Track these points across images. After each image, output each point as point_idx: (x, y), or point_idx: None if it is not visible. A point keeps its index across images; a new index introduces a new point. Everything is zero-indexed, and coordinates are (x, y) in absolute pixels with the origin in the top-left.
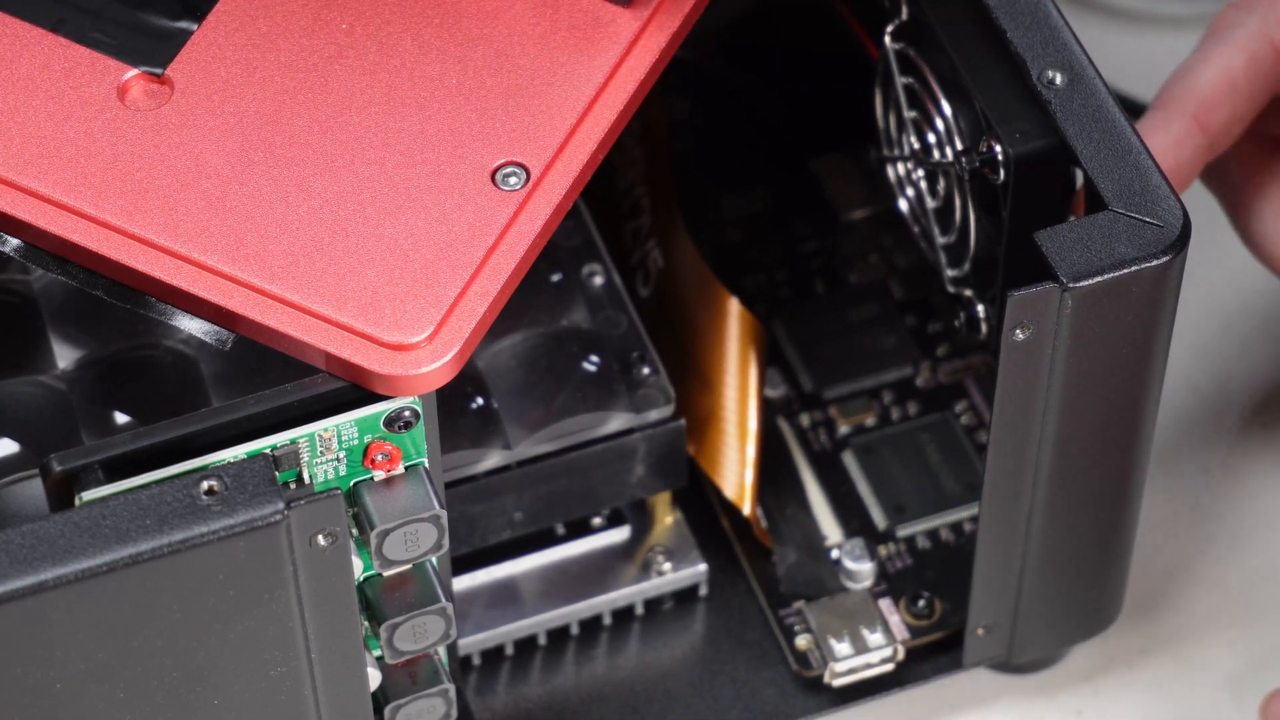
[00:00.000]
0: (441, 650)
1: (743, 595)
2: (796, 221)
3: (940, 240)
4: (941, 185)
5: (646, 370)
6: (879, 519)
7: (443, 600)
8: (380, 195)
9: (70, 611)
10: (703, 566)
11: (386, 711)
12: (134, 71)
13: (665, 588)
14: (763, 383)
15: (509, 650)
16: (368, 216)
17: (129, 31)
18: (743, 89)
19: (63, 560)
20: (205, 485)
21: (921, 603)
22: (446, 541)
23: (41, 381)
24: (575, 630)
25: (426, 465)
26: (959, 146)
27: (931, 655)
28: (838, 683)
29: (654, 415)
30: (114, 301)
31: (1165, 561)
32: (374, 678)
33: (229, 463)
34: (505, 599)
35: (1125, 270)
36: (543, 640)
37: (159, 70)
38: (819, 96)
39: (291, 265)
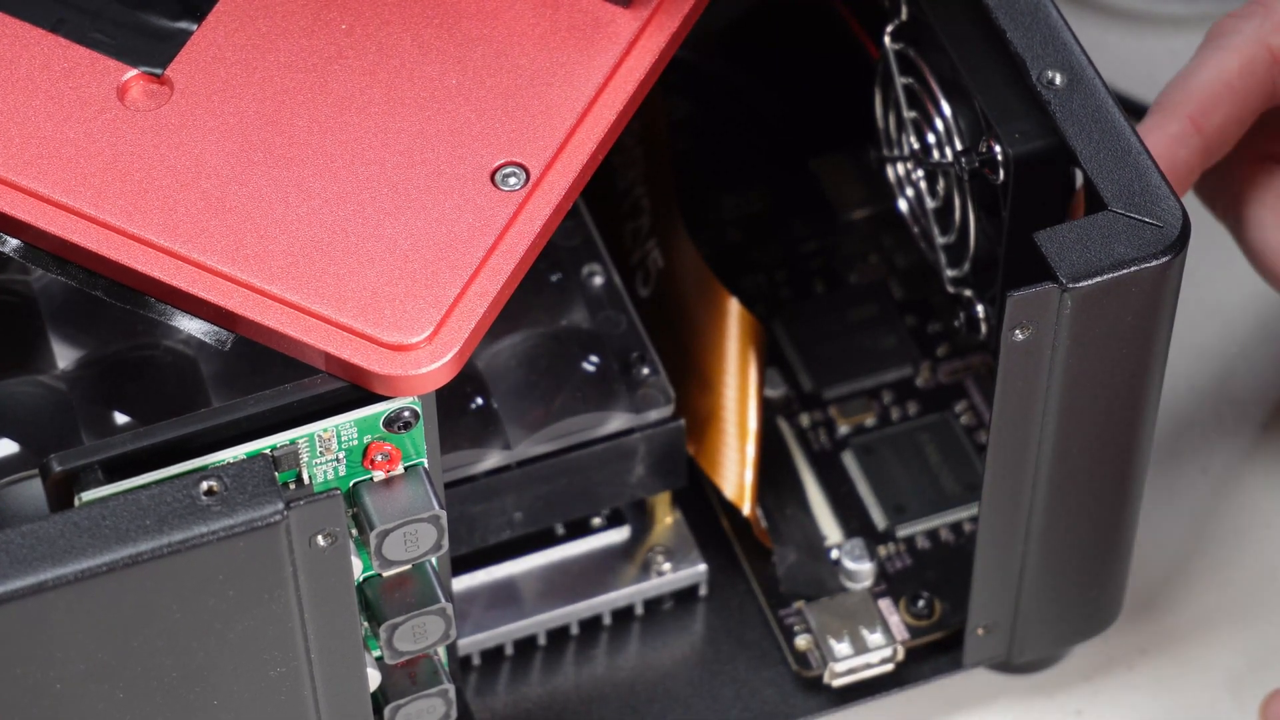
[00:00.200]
0: (441, 650)
1: (742, 595)
2: (796, 221)
3: (940, 240)
4: (941, 185)
5: (646, 370)
6: (879, 519)
7: (442, 600)
8: (380, 195)
9: (70, 611)
10: (702, 566)
11: (386, 711)
12: (134, 72)
13: (665, 588)
14: (763, 383)
15: (509, 650)
16: (367, 217)
17: (129, 32)
18: (743, 89)
19: (63, 560)
20: (205, 485)
21: (921, 603)
22: (446, 542)
23: (41, 381)
24: (575, 630)
25: (426, 465)
26: (959, 147)
27: (931, 655)
28: (837, 683)
29: (654, 415)
30: (114, 302)
31: (1165, 561)
32: (374, 678)
33: (229, 463)
34: (505, 599)
35: (1125, 271)
36: (542, 640)
37: (159, 70)
38: (819, 96)
39: (291, 265)
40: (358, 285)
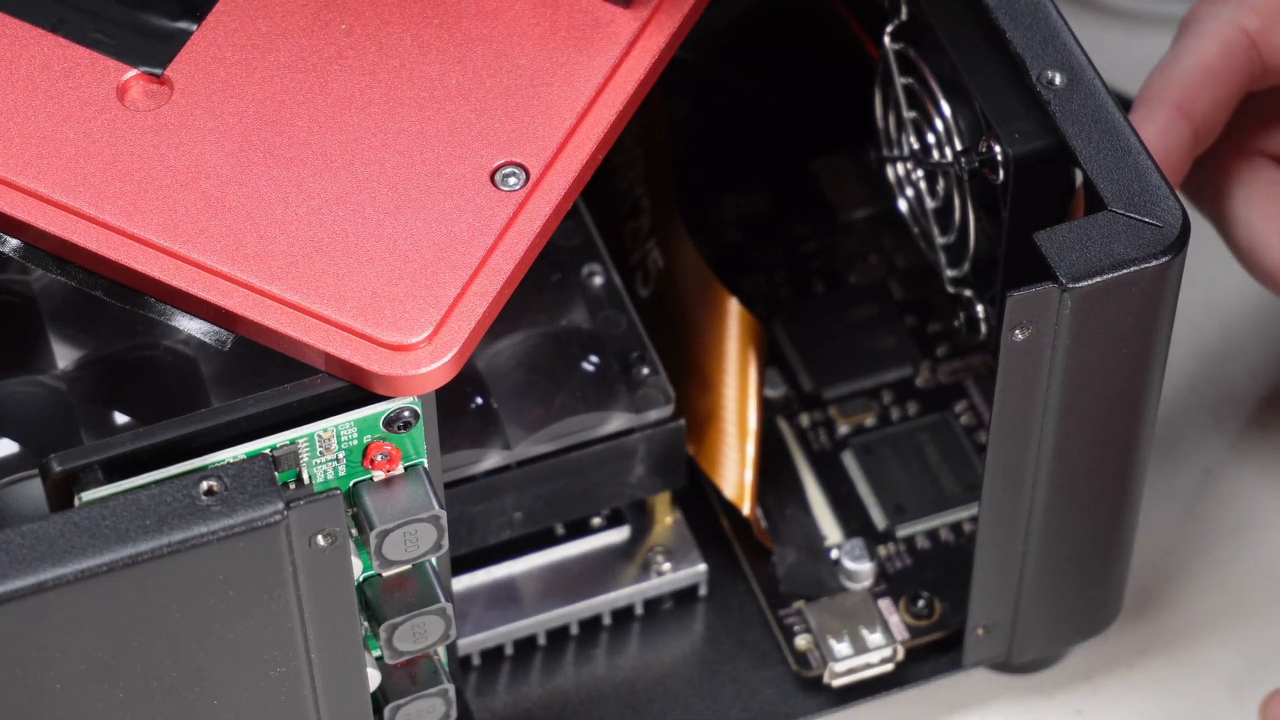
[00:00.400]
0: (441, 650)
1: (742, 595)
2: (796, 221)
3: (940, 240)
4: (941, 185)
5: (646, 370)
6: (879, 519)
7: (442, 600)
8: (379, 195)
9: (70, 611)
10: (702, 566)
11: (386, 711)
12: (133, 72)
13: (665, 588)
14: (762, 383)
15: (509, 650)
16: (367, 217)
17: (129, 32)
18: (743, 89)
19: (62, 560)
20: (205, 485)
21: (921, 603)
22: (446, 542)
23: (41, 381)
24: (575, 630)
25: (426, 465)
26: (958, 147)
27: (931, 655)
28: (837, 683)
29: (654, 415)
30: (114, 302)
31: (1165, 561)
32: (374, 678)
33: (229, 463)
34: (505, 599)
35: (1124, 270)
36: (542, 640)
37: (158, 70)
38: (819, 96)
39: (291, 265)
40: (357, 285)
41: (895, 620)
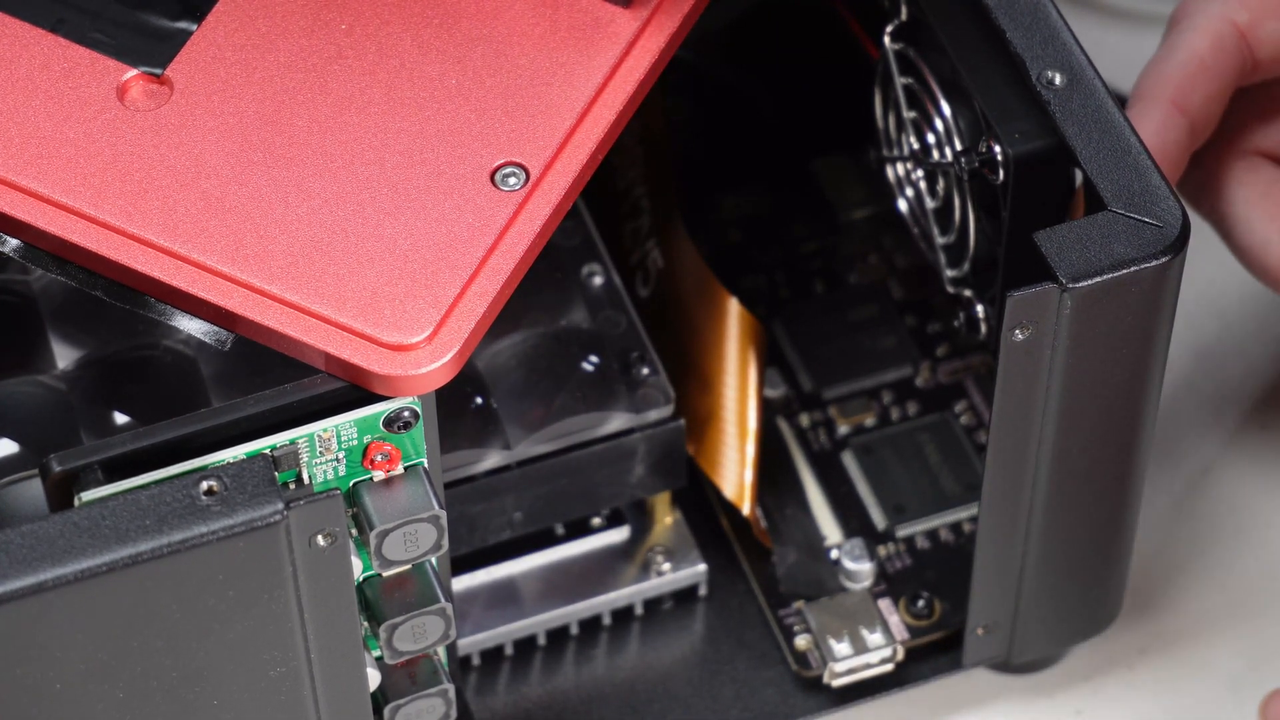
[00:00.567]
0: (441, 650)
1: (742, 595)
2: (796, 221)
3: (940, 240)
4: (941, 185)
5: (646, 370)
6: (878, 519)
7: (442, 600)
8: (379, 195)
9: (70, 611)
10: (702, 566)
11: (386, 711)
12: (133, 72)
13: (665, 588)
14: (762, 383)
15: (509, 650)
16: (367, 217)
17: (128, 32)
18: (743, 89)
19: (62, 560)
20: (205, 485)
21: (921, 603)
22: (446, 542)
23: (41, 381)
24: (575, 630)
25: (426, 465)
26: (958, 147)
27: (931, 655)
28: (837, 683)
29: (654, 415)
30: (114, 302)
31: (1165, 561)
32: (373, 678)
33: (228, 463)
34: (505, 599)
35: (1124, 270)
36: (542, 640)
37: (158, 70)
38: (819, 96)
39: (291, 265)
40: (357, 285)
41: (895, 620)
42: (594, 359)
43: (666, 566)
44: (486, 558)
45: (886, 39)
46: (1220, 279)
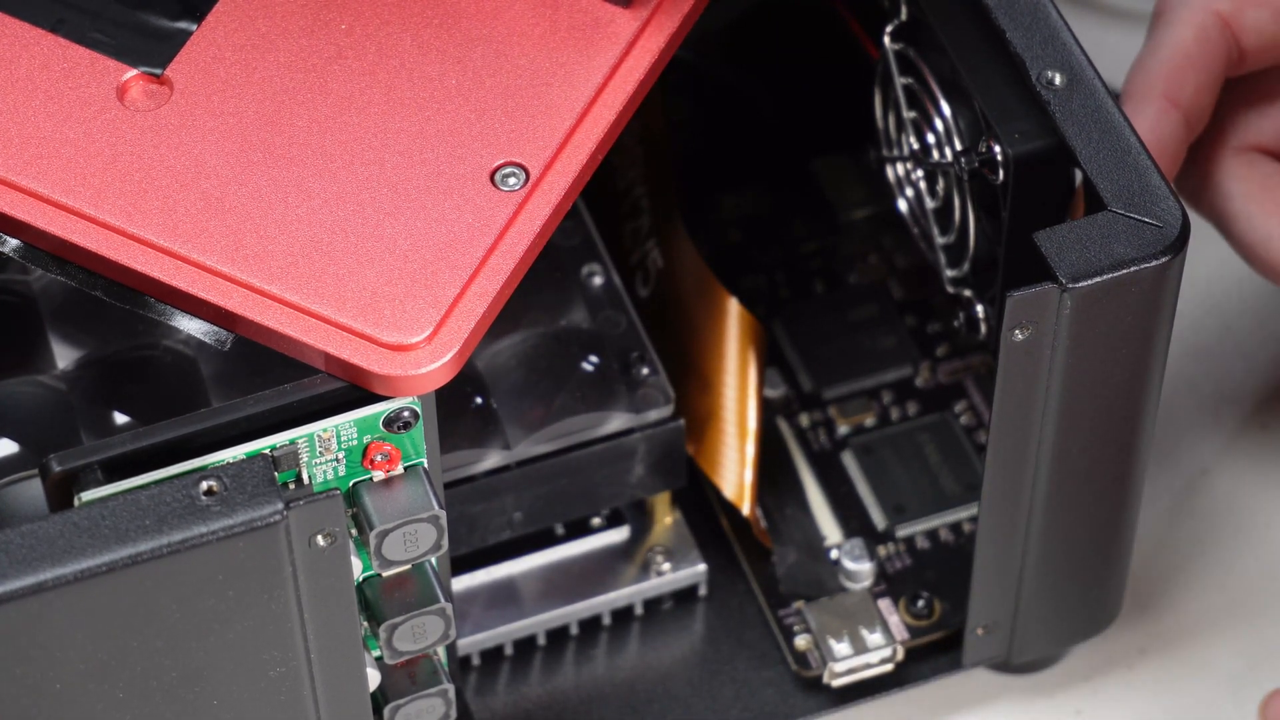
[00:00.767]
0: (441, 650)
1: (742, 595)
2: (796, 221)
3: (940, 240)
4: (941, 185)
5: (646, 370)
6: (878, 519)
7: (442, 600)
8: (379, 196)
9: (69, 611)
10: (702, 566)
11: (386, 711)
12: (133, 72)
13: (665, 588)
14: (762, 383)
15: (508, 650)
16: (367, 217)
17: (128, 32)
18: (743, 89)
19: (62, 560)
20: (204, 485)
21: (921, 603)
22: (446, 542)
23: (41, 381)
24: (575, 630)
25: (426, 465)
26: (958, 147)
27: (931, 655)
28: (837, 683)
29: (653, 415)
30: (114, 302)
31: (1165, 561)
32: (373, 678)
33: (228, 463)
34: (505, 599)
35: (1124, 271)
36: (542, 640)
37: (158, 70)
38: (819, 96)
39: (290, 266)
40: (357, 285)
41: (895, 620)
42: (594, 359)
43: (666, 566)
44: (486, 558)
45: (886, 39)
46: (1220, 279)
